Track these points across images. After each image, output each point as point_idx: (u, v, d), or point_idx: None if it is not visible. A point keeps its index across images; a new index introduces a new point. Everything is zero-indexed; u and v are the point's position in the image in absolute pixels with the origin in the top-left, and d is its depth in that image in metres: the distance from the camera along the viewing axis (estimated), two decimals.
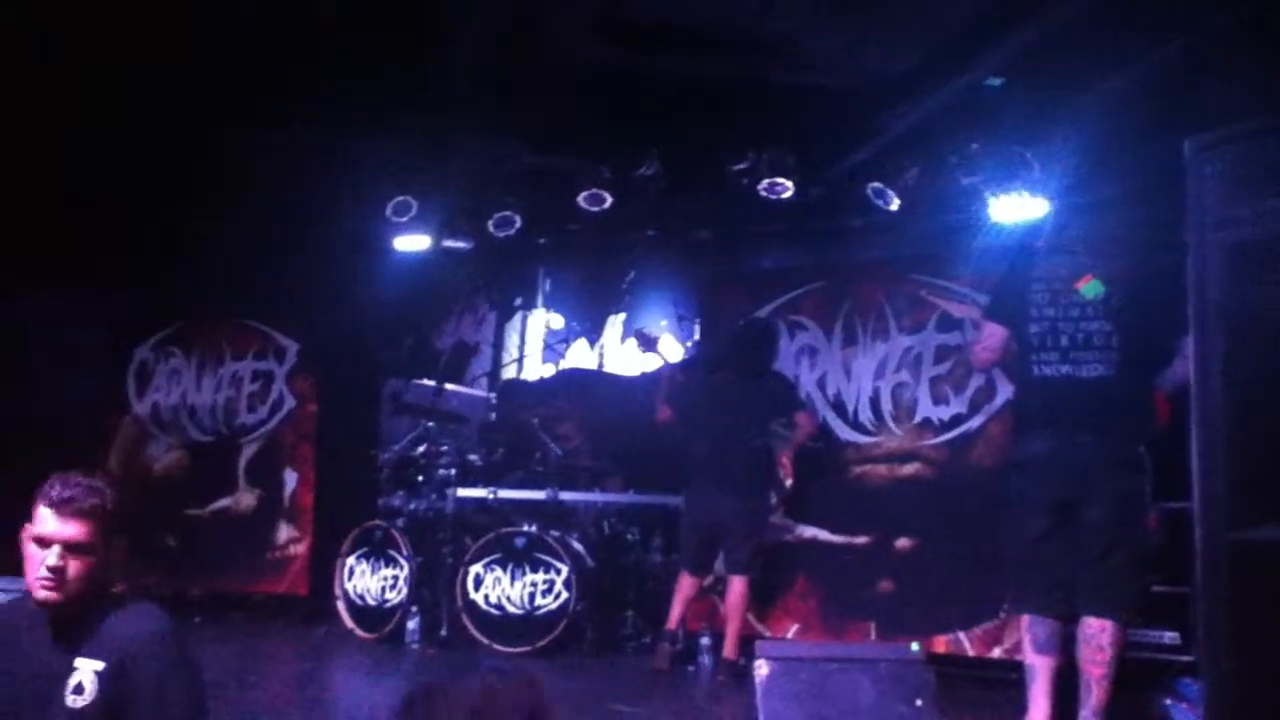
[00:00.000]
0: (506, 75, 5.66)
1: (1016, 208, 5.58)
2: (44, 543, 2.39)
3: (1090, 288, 4.14)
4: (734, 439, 5.67)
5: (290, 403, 7.74)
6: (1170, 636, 5.15)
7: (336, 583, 6.51)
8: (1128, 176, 5.29)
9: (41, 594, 2.40)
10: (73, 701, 2.41)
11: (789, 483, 5.89)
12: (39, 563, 2.39)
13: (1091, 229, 4.43)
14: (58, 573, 2.39)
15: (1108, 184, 5.37)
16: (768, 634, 6.10)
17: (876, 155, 6.05)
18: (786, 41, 5.18)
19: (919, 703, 2.60)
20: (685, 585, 5.71)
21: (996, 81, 5.26)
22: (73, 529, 2.39)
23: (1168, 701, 4.44)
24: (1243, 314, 2.35)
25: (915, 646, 2.69)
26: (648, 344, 6.42)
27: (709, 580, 5.93)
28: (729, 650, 5.58)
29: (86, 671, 2.44)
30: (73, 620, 2.45)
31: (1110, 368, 4.11)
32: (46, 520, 2.39)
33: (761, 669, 2.62)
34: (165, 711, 2.49)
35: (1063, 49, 4.99)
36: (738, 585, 5.60)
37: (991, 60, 5.07)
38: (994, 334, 4.41)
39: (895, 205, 6.01)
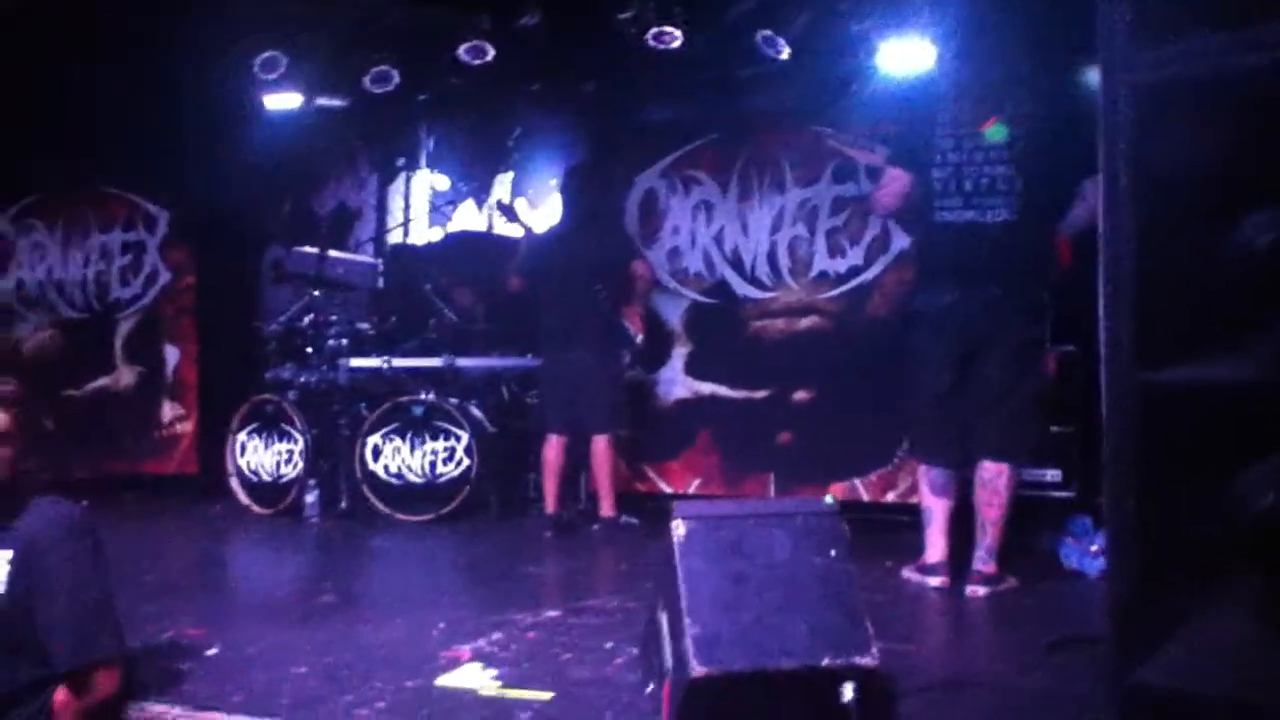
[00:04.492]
0: None
1: (906, 54, 5.51)
2: None
3: (995, 131, 4.10)
4: (573, 294, 5.58)
5: (165, 275, 7.41)
6: (1053, 474, 5.36)
7: (229, 459, 6.35)
8: (1022, 17, 5.24)
9: None
10: None
11: (639, 338, 5.85)
12: None
13: (993, 72, 4.37)
14: None
15: (1001, 28, 5.32)
16: (670, 490, 6.20)
17: (765, 3, 5.88)
18: None
19: (833, 553, 2.63)
20: (551, 451, 5.64)
21: None
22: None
23: (1065, 540, 4.62)
24: (1152, 155, 2.31)
25: (830, 499, 2.71)
26: (508, 213, 6.30)
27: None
28: (605, 508, 5.64)
29: (0, 561, 2.40)
30: None
31: (1014, 212, 4.09)
32: None
33: (679, 529, 2.61)
34: (75, 602, 2.48)
35: None
36: (600, 444, 5.60)
37: None
38: (898, 179, 4.33)
39: (785, 54, 5.88)
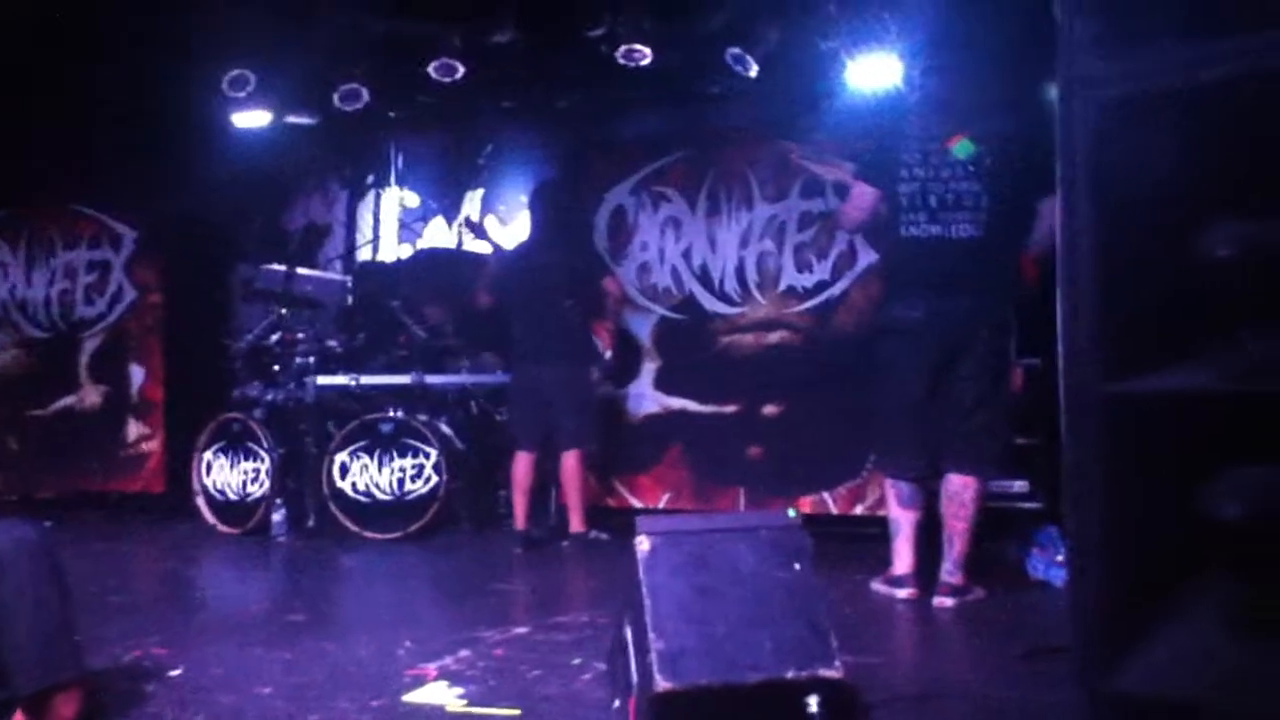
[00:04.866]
0: None
1: (875, 71, 5.56)
2: None
3: (962, 147, 4.13)
4: (543, 310, 5.60)
5: (131, 294, 7.35)
6: (1020, 485, 5.40)
7: (194, 478, 6.30)
8: (989, 35, 5.30)
9: None
10: None
11: (609, 354, 5.86)
12: None
13: (962, 88, 4.42)
14: None
15: (969, 44, 5.38)
16: (640, 505, 6.19)
17: (734, 20, 5.93)
18: None
19: (797, 566, 2.63)
20: (520, 468, 5.62)
21: None
22: None
23: (1032, 550, 4.66)
24: (1111, 168, 2.34)
25: (793, 513, 2.72)
26: (477, 231, 6.33)
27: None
28: (575, 524, 5.63)
29: None
30: None
31: (980, 228, 4.12)
32: None
33: (643, 544, 2.61)
34: (38, 624, 2.43)
35: None
36: (570, 459, 5.59)
37: None
38: (865, 194, 4.36)
39: (755, 71, 5.93)
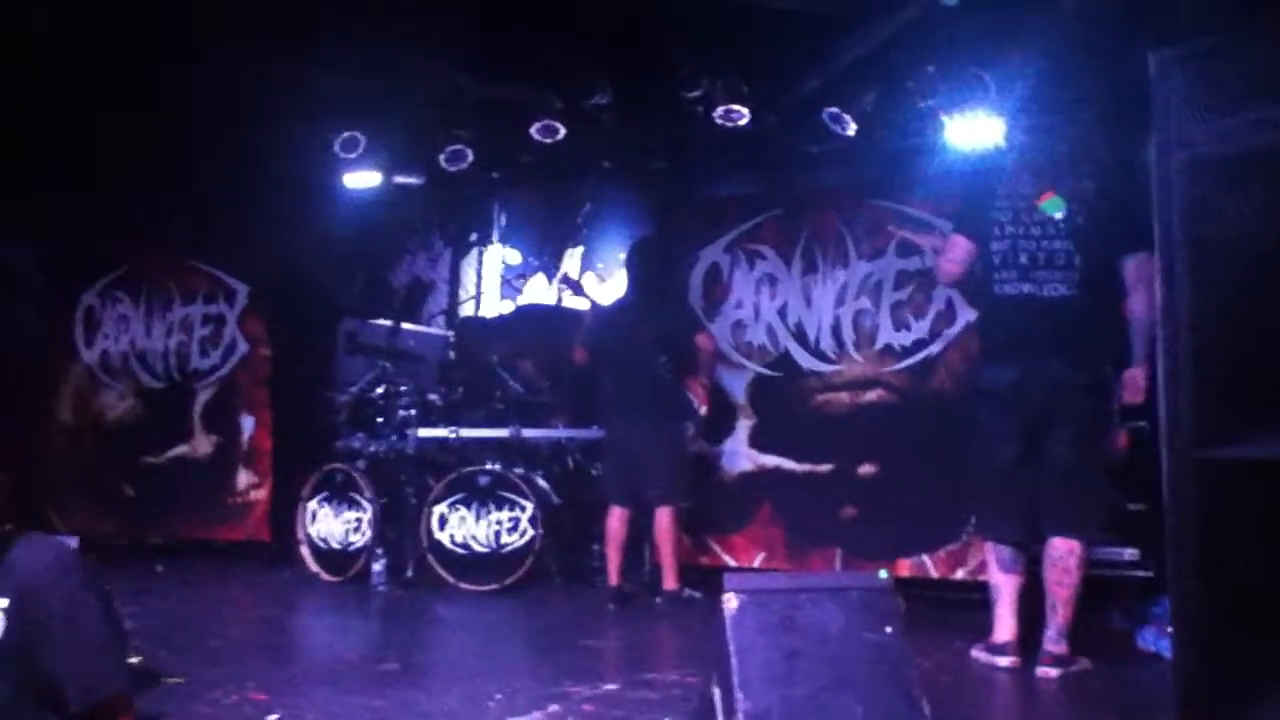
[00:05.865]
0: (454, 1, 5.54)
1: (973, 130, 5.54)
2: None
3: (1051, 204, 4.10)
4: (636, 366, 5.66)
5: (243, 347, 7.60)
6: (1130, 553, 5.22)
7: (299, 527, 6.45)
8: (1086, 95, 5.25)
9: None
10: None
11: (703, 410, 5.85)
12: None
13: (1054, 147, 4.38)
14: None
15: (1065, 104, 5.34)
16: (734, 563, 6.14)
17: (832, 81, 5.97)
18: None
19: (888, 630, 2.59)
20: (613, 522, 5.66)
21: (952, 1, 5.17)
22: None
23: (1144, 621, 4.49)
24: (1207, 232, 2.30)
25: (884, 574, 2.68)
26: (575, 288, 6.42)
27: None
28: (668, 581, 5.62)
29: None
30: None
31: (1073, 287, 4.07)
32: None
33: (730, 602, 2.59)
34: (76, 640, 2.43)
35: None
36: (663, 516, 5.60)
37: None
38: (958, 245, 4.34)
39: (852, 130, 5.95)
